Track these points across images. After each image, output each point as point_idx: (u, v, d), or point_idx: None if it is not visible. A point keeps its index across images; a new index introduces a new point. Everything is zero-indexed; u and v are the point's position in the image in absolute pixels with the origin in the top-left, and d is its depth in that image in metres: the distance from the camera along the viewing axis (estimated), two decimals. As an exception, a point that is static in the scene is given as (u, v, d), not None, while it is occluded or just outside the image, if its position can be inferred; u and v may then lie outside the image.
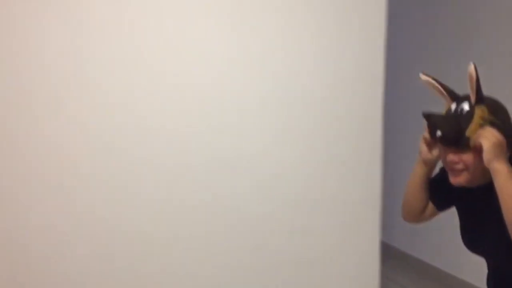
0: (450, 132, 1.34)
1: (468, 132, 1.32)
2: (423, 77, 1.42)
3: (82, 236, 1.57)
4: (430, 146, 1.45)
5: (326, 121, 1.80)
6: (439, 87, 1.41)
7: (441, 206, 1.56)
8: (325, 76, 1.77)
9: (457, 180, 1.39)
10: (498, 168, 1.27)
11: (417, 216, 1.58)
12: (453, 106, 1.37)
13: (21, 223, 1.51)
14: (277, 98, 1.73)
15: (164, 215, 1.65)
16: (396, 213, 1.64)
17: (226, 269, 1.74)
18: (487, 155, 1.28)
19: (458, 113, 1.35)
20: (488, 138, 1.28)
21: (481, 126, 1.31)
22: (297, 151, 1.78)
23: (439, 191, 1.52)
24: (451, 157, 1.37)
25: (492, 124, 1.31)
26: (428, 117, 1.38)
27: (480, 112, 1.32)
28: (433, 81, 1.41)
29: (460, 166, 1.37)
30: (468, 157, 1.35)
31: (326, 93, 1.79)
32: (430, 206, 1.56)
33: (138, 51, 1.56)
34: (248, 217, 1.75)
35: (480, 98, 1.34)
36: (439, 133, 1.35)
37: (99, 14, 1.52)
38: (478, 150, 1.31)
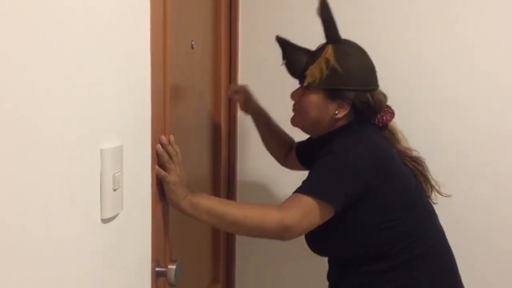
0: (292, 62, 1.29)
1: (308, 71, 1.25)
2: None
3: None
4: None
5: None
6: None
7: (301, 159, 1.54)
8: None
9: (292, 120, 1.34)
10: (183, 210, 1.13)
11: (281, 161, 1.62)
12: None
13: None
14: None
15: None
16: None
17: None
18: (168, 201, 1.12)
19: (315, 49, 1.29)
20: (167, 181, 1.09)
21: (321, 71, 1.23)
22: None
23: (305, 148, 1.52)
24: (292, 94, 1.32)
25: (320, 81, 1.23)
26: (280, 41, 1.32)
27: (326, 53, 1.24)
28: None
29: (296, 105, 1.31)
30: (301, 97, 1.29)
31: None
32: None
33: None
34: None
35: (330, 38, 1.27)
36: (284, 60, 1.30)
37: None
38: (308, 93, 1.26)
